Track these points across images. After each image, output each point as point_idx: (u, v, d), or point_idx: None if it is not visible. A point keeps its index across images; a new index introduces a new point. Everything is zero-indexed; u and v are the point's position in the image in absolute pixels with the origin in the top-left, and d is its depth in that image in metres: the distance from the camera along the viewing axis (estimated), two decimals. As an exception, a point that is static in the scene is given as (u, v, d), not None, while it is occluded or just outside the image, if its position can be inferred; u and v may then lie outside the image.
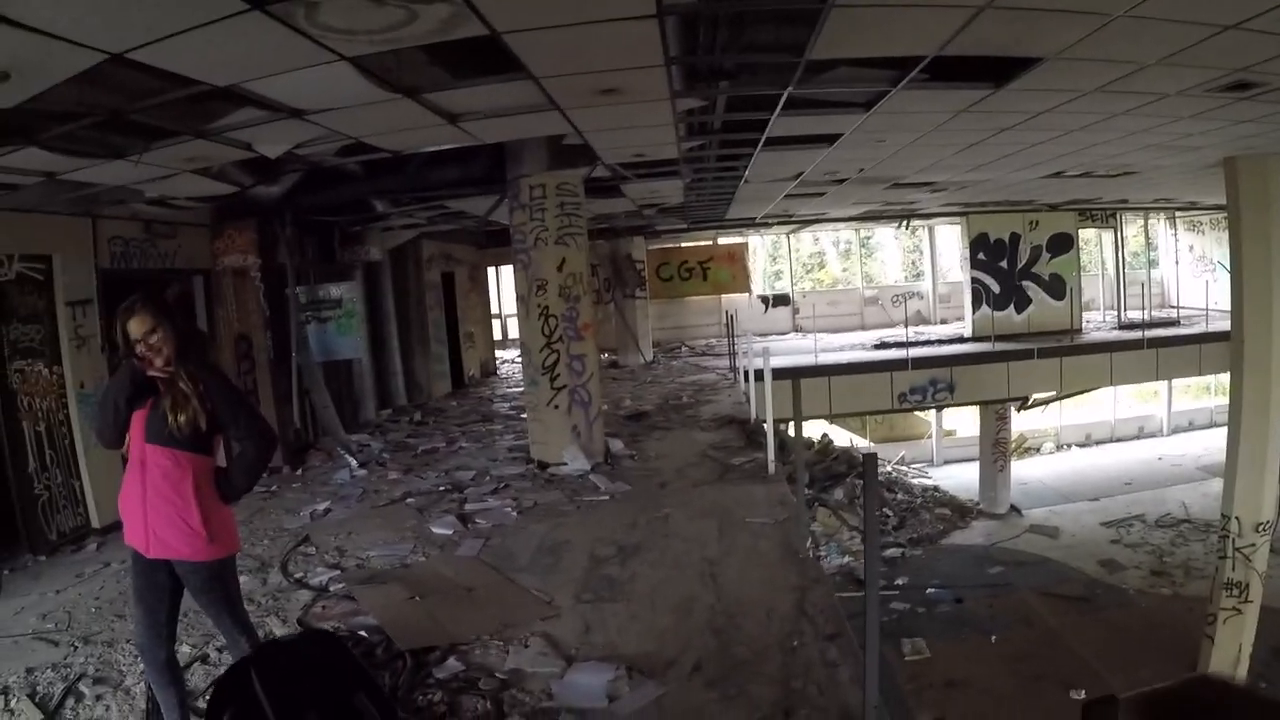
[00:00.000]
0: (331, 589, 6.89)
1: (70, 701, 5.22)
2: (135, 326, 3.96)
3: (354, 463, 11.32)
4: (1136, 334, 22.35)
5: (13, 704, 5.22)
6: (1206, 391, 31.03)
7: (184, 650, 5.36)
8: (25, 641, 6.20)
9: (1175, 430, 30.31)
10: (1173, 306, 28.64)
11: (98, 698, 5.22)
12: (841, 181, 14.69)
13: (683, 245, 27.02)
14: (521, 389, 12.20)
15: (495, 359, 23.55)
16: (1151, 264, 30.32)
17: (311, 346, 12.23)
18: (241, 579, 4.49)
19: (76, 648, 6.01)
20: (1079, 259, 25.10)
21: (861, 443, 28.04)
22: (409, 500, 9.61)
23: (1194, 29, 6.07)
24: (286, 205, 10.91)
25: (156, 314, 4.01)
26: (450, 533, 8.26)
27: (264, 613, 6.40)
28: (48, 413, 8.65)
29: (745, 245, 27.92)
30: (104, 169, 7.42)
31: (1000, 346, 21.40)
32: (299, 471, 11.33)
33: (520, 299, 10.46)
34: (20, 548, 8.31)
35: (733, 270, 26.41)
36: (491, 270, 25.38)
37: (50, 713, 5.12)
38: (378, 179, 10.22)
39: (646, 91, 7.14)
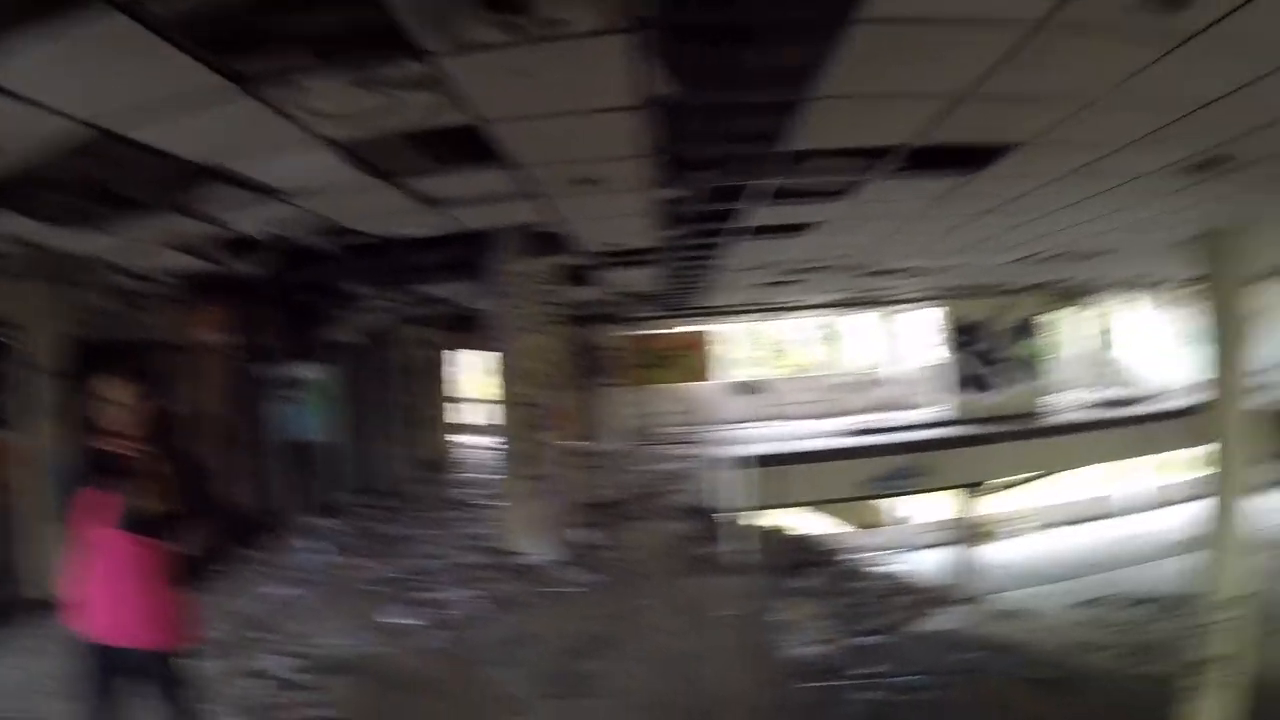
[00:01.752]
0: (294, 679, 6.68)
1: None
2: (109, 389, 3.84)
3: (321, 547, 11.13)
4: (1109, 413, 22.51)
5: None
6: (1181, 467, 31.11)
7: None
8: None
9: (1149, 507, 30.27)
10: (1146, 383, 28.87)
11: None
12: (818, 270, 14.79)
13: (656, 333, 27.06)
14: (493, 476, 12.04)
15: (467, 445, 23.39)
16: (1124, 342, 30.70)
17: (283, 427, 12.09)
18: (201, 665, 4.32)
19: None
20: (1052, 340, 25.34)
21: (832, 530, 27.92)
22: (376, 587, 9.42)
23: (1168, 108, 6.18)
24: (263, 284, 10.84)
25: (132, 384, 3.91)
26: (417, 622, 8.06)
27: (225, 703, 6.22)
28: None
29: (717, 333, 27.96)
30: (81, 239, 7.41)
31: (974, 430, 21.46)
32: (264, 555, 11.09)
33: (495, 386, 10.35)
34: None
35: (704, 358, 26.46)
36: (465, 355, 25.28)
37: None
38: (357, 262, 10.18)
39: (627, 181, 7.20)
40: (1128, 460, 26.69)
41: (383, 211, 7.64)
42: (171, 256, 8.72)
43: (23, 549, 8.65)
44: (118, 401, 3.83)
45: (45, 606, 7.89)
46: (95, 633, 3.89)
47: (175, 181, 6.00)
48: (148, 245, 8.09)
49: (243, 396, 11.67)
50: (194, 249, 8.57)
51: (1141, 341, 30.02)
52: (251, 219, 7.47)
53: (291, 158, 5.67)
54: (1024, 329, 24.19)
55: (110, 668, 3.93)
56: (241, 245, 8.68)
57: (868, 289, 19.65)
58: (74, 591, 3.95)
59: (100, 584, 3.87)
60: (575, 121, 5.39)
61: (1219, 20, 4.53)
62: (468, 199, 7.48)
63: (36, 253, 7.69)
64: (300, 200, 6.94)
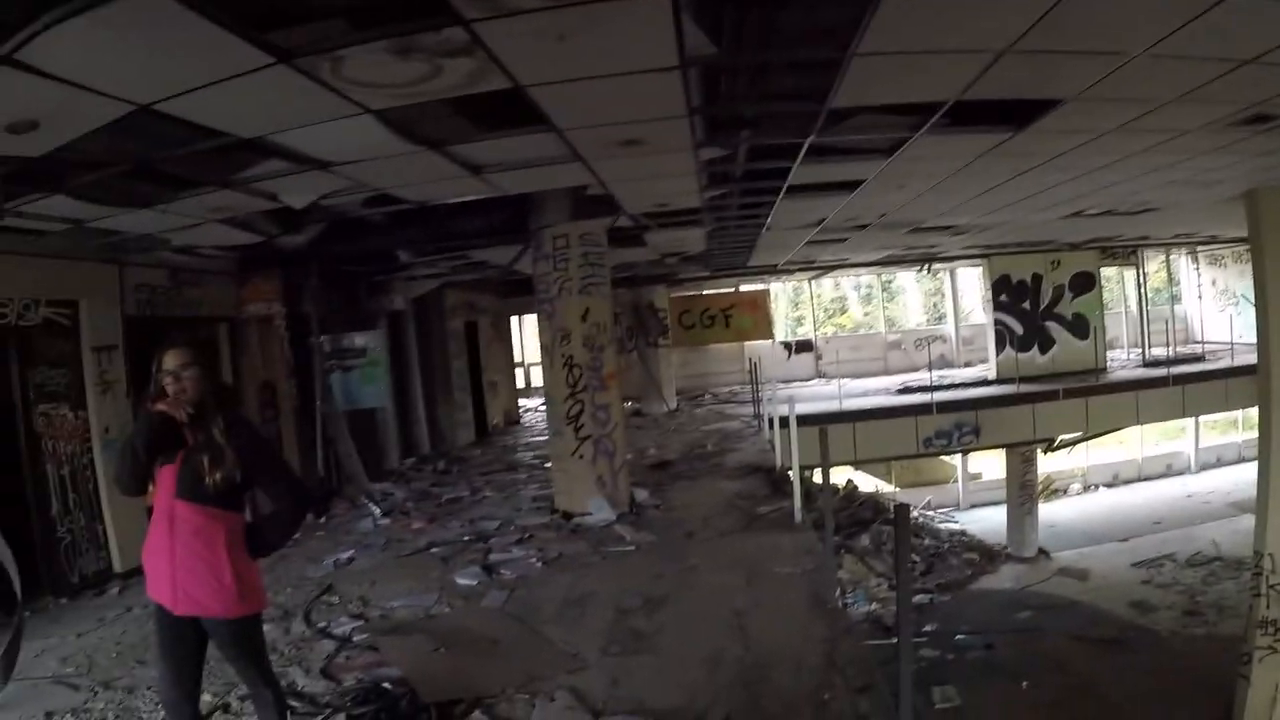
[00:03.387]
0: (355, 639, 6.85)
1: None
2: (170, 360, 3.91)
3: (378, 511, 11.30)
4: (1162, 371, 22.15)
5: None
6: (1234, 426, 30.61)
7: (206, 699, 5.30)
8: (45, 685, 6.20)
9: (1203, 467, 29.86)
10: (1197, 342, 28.42)
11: (117, 744, 5.20)
12: (863, 227, 14.71)
13: (705, 293, 27.09)
14: (545, 438, 12.15)
15: (519, 408, 23.57)
16: (1174, 300, 30.18)
17: (336, 395, 12.24)
18: (265, 628, 4.44)
19: (96, 693, 6.01)
20: (1101, 298, 24.97)
21: (887, 488, 27.85)
22: (433, 550, 9.57)
23: (1212, 65, 6.07)
24: (311, 255, 10.95)
25: (193, 353, 3.99)
26: (475, 583, 8.20)
27: (287, 662, 6.37)
28: (72, 457, 8.71)
29: (767, 292, 28.06)
30: (131, 217, 7.50)
31: (1025, 388, 21.27)
32: (323, 520, 11.31)
33: (544, 349, 10.46)
34: (42, 590, 8.32)
35: (755, 317, 26.47)
36: (515, 319, 25.45)
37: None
38: (401, 229, 10.27)
39: (669, 142, 7.18)
40: (1183, 419, 26.35)
41: (427, 178, 7.66)
42: (220, 231, 8.82)
43: (111, 523, 8.93)
44: (173, 373, 3.91)
45: (134, 577, 8.20)
46: (165, 601, 4.01)
47: (219, 156, 6.05)
48: (196, 221, 8.18)
49: (296, 367, 11.84)
50: (241, 222, 8.66)
51: (1194, 299, 29.52)
52: (297, 191, 7.52)
53: (334, 128, 5.70)
54: (1074, 286, 23.76)
55: (180, 634, 4.04)
56: (288, 217, 8.75)
57: (913, 246, 19.45)
58: (147, 561, 4.08)
59: (166, 553, 3.97)
60: (615, 84, 5.37)
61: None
62: (511, 163, 7.47)
63: (85, 233, 7.79)
64: (345, 170, 6.98)
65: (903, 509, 4.03)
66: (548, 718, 5.21)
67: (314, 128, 5.68)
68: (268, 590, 4.87)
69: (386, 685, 5.82)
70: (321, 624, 7.28)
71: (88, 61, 4.11)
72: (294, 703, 5.56)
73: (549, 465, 11.53)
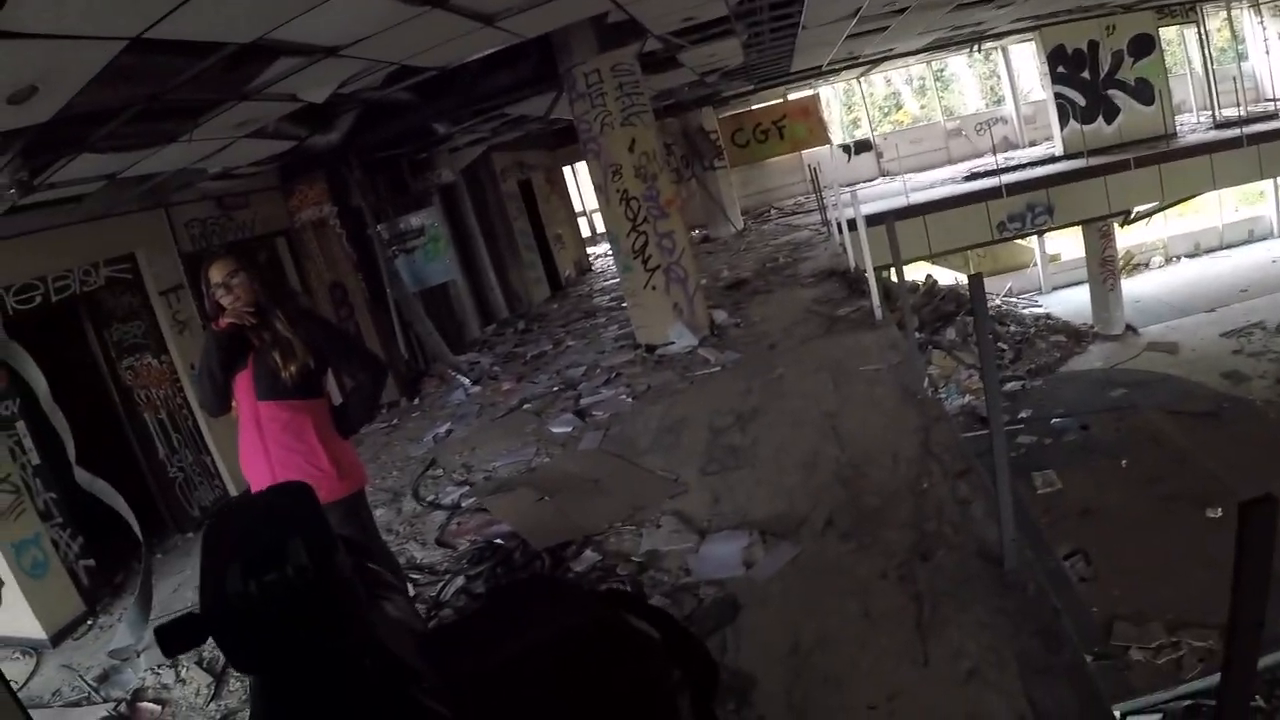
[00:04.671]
0: (463, 505, 7.04)
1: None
2: (216, 273, 3.97)
3: (467, 381, 11.47)
4: (1234, 132, 21.04)
5: (183, 673, 5.49)
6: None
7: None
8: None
9: None
10: (1269, 100, 26.97)
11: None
12: (901, 11, 14.11)
13: (753, 108, 26.48)
14: (618, 279, 12.19)
15: (588, 256, 23.65)
16: (1241, 57, 28.68)
17: (404, 279, 12.31)
18: (376, 512, 4.56)
19: (231, 610, 6.25)
20: (1164, 60, 23.82)
21: (965, 279, 27.46)
22: (525, 406, 9.73)
23: None
24: (349, 148, 10.85)
25: (236, 260, 4.05)
26: (570, 430, 8.35)
27: (403, 540, 6.58)
28: (166, 400, 8.94)
29: (817, 97, 27.24)
30: (160, 157, 7.41)
31: (1094, 161, 20.63)
32: (415, 401, 11.55)
33: (598, 188, 10.39)
34: (167, 530, 8.68)
35: (809, 124, 25.65)
36: (568, 169, 25.37)
37: (218, 674, 5.37)
38: (431, 101, 10.08)
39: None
40: (1262, 182, 25.41)
41: (440, 40, 7.40)
42: (252, 146, 8.71)
43: (216, 452, 9.25)
44: (223, 284, 3.97)
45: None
46: None
47: (226, 70, 5.92)
48: (226, 141, 8.08)
49: (360, 261, 11.93)
50: (271, 132, 8.55)
51: (1261, 55, 27.88)
52: (314, 84, 7.36)
53: (331, 10, 5.49)
54: (1133, 50, 22.70)
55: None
56: (317, 116, 8.65)
57: (959, 26, 18.70)
58: (246, 469, 4.24)
59: (261, 455, 4.10)
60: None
61: None
62: (522, 4, 7.21)
63: (121, 185, 7.78)
64: (355, 50, 6.80)
65: (976, 279, 3.94)
66: (656, 543, 5.33)
67: (310, 14, 5.45)
68: (375, 477, 4.99)
69: (499, 541, 6.00)
70: (430, 497, 7.49)
71: (64, 10, 3.92)
72: (414, 575, 5.80)
73: (626, 304, 11.56)
